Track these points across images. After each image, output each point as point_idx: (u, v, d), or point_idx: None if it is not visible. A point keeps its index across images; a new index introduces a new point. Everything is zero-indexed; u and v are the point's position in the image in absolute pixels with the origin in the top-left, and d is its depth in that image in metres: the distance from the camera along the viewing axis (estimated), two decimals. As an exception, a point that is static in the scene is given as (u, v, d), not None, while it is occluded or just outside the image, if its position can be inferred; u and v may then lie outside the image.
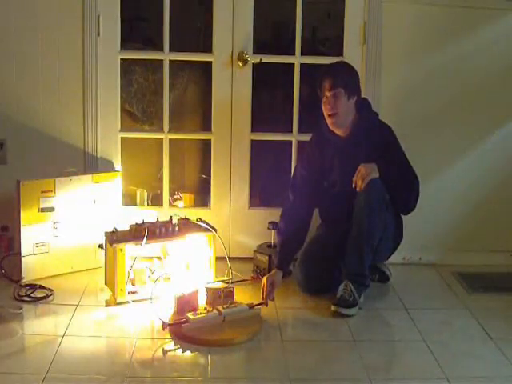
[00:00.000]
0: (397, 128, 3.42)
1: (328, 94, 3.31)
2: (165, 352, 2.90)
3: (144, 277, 3.37)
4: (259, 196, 4.20)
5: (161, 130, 3.86)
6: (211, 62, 3.77)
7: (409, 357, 2.91)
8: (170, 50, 3.75)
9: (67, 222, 3.55)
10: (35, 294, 3.30)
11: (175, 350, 2.91)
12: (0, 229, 3.68)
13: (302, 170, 3.49)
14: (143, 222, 3.38)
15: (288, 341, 3.01)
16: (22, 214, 3.41)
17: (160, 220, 3.43)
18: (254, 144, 3.85)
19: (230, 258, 3.49)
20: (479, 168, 3.86)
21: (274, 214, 3.62)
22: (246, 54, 3.72)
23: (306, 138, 3.62)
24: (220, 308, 3.08)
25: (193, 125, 4.31)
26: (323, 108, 3.36)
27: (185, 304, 3.11)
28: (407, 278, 3.72)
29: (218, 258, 3.49)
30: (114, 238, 3.30)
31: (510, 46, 3.78)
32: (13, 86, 3.67)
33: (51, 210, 3.50)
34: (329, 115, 3.34)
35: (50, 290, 3.33)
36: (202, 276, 3.43)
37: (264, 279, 3.30)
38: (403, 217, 3.45)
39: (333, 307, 3.22)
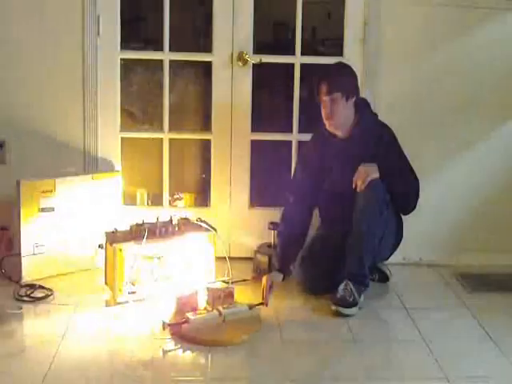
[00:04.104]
0: (396, 128, 3.42)
1: (325, 98, 3.31)
2: (165, 352, 2.89)
3: (144, 277, 3.37)
4: (259, 196, 4.20)
5: (161, 130, 3.86)
6: (211, 61, 3.77)
7: (409, 357, 2.91)
8: (170, 50, 3.75)
9: (67, 222, 3.55)
10: (35, 294, 3.30)
11: (175, 350, 2.91)
12: (0, 229, 3.68)
13: (302, 171, 3.49)
14: (143, 222, 3.38)
15: (288, 341, 3.01)
16: (22, 214, 3.41)
17: (160, 220, 3.43)
18: (254, 144, 3.85)
19: (229, 257, 3.49)
20: (479, 168, 3.86)
21: (274, 214, 3.62)
22: (246, 54, 3.72)
23: (306, 138, 3.62)
24: (220, 308, 3.08)
25: (193, 125, 4.31)
26: (322, 111, 3.35)
27: (185, 304, 3.11)
28: (407, 277, 3.71)
29: (217, 258, 3.49)
30: (114, 238, 3.30)
31: (510, 45, 3.78)
32: (13, 86, 3.67)
33: (51, 210, 3.50)
34: (327, 119, 3.34)
35: (50, 290, 3.33)
36: (202, 276, 3.43)
37: (264, 279, 3.30)
38: (403, 217, 3.45)
39: (333, 307, 3.21)
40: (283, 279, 3.37)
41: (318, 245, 3.49)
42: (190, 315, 3.02)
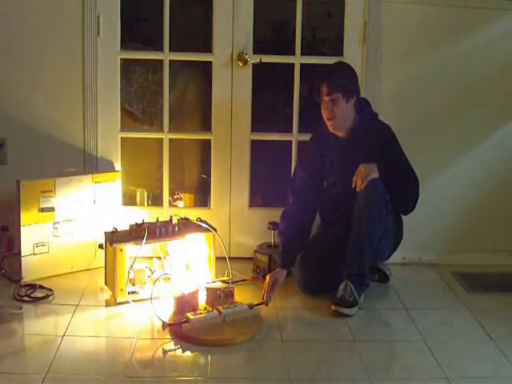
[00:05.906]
0: (397, 128, 3.42)
1: (326, 98, 3.30)
2: (165, 352, 2.90)
3: (144, 277, 3.37)
4: (259, 196, 4.20)
5: (161, 130, 3.86)
6: (211, 61, 3.77)
7: (409, 357, 2.91)
8: (170, 50, 3.75)
9: (67, 222, 3.56)
10: (35, 294, 3.29)
11: (175, 350, 2.91)
12: (0, 229, 3.68)
13: (302, 171, 3.49)
14: (143, 222, 3.38)
15: (288, 341, 3.01)
16: (22, 214, 3.41)
17: (160, 220, 3.43)
18: (254, 144, 3.85)
19: (229, 258, 3.49)
20: (479, 168, 3.86)
21: (274, 214, 3.62)
22: (246, 54, 3.72)
23: (306, 137, 3.61)
24: (220, 308, 3.08)
25: (193, 125, 4.31)
26: (322, 111, 3.35)
27: (185, 304, 3.11)
28: (407, 278, 3.72)
29: (217, 258, 3.49)
30: (114, 238, 3.30)
31: (509, 45, 3.78)
32: (13, 85, 3.67)
33: (51, 210, 3.50)
34: (328, 119, 3.34)
35: (50, 289, 3.34)
36: (202, 276, 3.43)
37: (267, 278, 3.30)
38: (403, 217, 3.45)
39: (333, 307, 3.22)
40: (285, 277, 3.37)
41: (317, 244, 3.48)
42: (190, 315, 3.02)
